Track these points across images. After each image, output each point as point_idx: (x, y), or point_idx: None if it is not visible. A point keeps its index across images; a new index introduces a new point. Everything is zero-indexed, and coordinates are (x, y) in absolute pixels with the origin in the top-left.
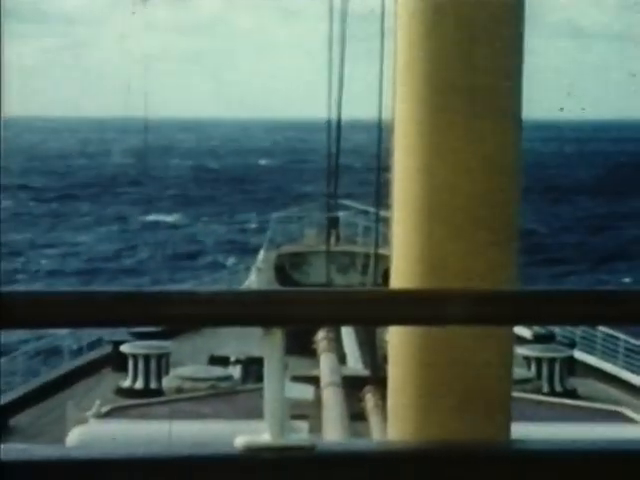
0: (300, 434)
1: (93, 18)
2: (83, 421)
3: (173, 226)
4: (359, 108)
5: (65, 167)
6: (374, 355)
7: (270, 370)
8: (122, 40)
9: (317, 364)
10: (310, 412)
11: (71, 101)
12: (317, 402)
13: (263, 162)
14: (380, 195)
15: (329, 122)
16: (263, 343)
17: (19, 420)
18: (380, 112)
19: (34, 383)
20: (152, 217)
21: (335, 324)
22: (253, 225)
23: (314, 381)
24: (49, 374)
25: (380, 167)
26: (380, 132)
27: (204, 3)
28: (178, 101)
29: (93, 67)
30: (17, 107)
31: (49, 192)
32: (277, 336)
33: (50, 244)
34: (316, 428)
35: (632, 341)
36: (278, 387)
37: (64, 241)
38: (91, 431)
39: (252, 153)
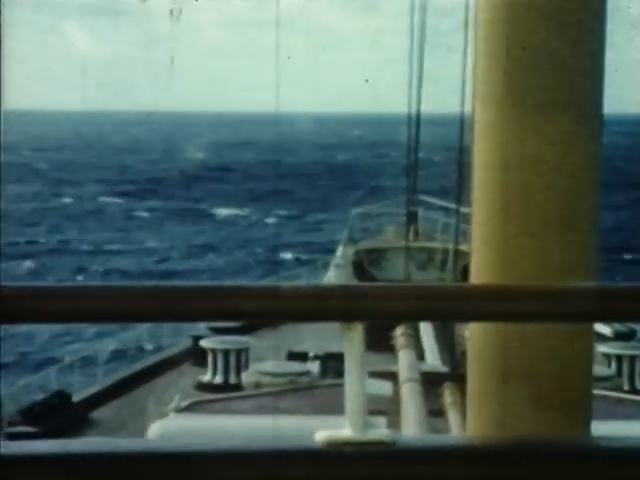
0: (380, 429)
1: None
2: (163, 415)
3: (248, 221)
4: (439, 102)
5: (146, 161)
6: (453, 351)
7: (351, 365)
8: (197, 34)
9: (395, 360)
10: (388, 408)
11: (147, 95)
12: (395, 398)
13: (341, 157)
14: (461, 191)
15: (409, 116)
16: (343, 338)
17: (100, 413)
18: (462, 107)
19: (115, 377)
20: (227, 211)
21: (415, 319)
22: (330, 221)
23: (392, 377)
24: (130, 368)
25: (461, 163)
26: (462, 127)
27: None
28: (255, 96)
29: (168, 61)
30: (99, 101)
31: (123, 186)
32: (357, 331)
33: (120, 243)
34: (394, 424)
35: None
36: (359, 382)
37: (134, 240)
38: (171, 425)
39: (328, 148)
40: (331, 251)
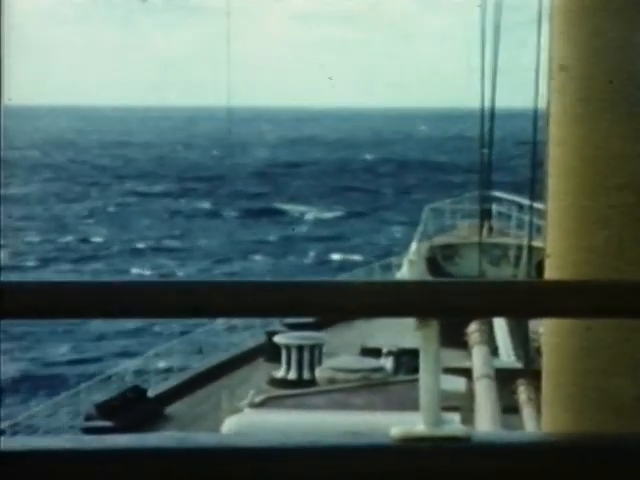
0: (454, 425)
1: (241, 8)
2: (238, 410)
3: (312, 218)
4: (507, 97)
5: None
6: (527, 347)
7: (426, 361)
8: (271, 30)
9: (469, 356)
10: (462, 404)
11: (220, 91)
12: (469, 394)
13: (411, 154)
14: (535, 187)
15: (482, 111)
16: (418, 334)
17: (175, 408)
18: (536, 101)
19: (189, 372)
20: (291, 207)
21: (489, 315)
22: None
23: (466, 373)
24: (205, 363)
25: (534, 158)
26: (535, 122)
27: None
28: (324, 90)
29: (243, 57)
30: (172, 96)
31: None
32: (432, 327)
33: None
34: (468, 420)
35: None
36: (434, 378)
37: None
38: (246, 420)
39: (394, 143)
40: (389, 253)
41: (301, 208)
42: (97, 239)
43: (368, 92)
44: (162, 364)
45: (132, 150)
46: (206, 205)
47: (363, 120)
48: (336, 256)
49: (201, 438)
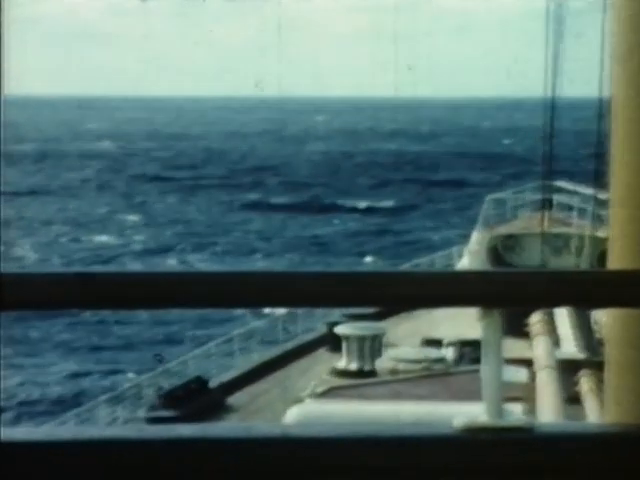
0: (517, 415)
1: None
2: (300, 401)
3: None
4: (568, 87)
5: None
6: (589, 338)
7: (488, 352)
8: (321, 21)
9: (531, 347)
10: (524, 394)
11: (274, 80)
12: (531, 385)
13: (474, 144)
14: (598, 176)
15: (545, 101)
16: (481, 324)
17: (237, 398)
18: (600, 91)
19: (251, 363)
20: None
21: (552, 305)
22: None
23: (528, 364)
24: (266, 354)
25: (598, 148)
26: (600, 111)
27: None
28: (380, 81)
29: (295, 47)
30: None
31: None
32: (495, 317)
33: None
34: (530, 411)
35: None
36: (496, 368)
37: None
38: (308, 410)
39: (449, 134)
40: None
41: (356, 201)
42: (140, 237)
43: (424, 82)
44: (222, 355)
45: (187, 141)
46: (256, 197)
47: (432, 111)
48: (369, 259)
49: (264, 428)
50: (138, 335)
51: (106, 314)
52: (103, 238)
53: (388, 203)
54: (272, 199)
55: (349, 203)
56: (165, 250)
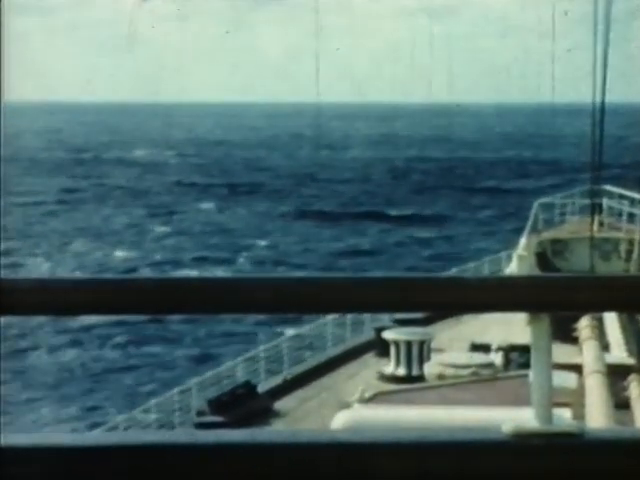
0: (567, 420)
1: (334, 4)
2: (347, 406)
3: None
4: (610, 91)
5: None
6: (639, 343)
7: (537, 357)
8: (367, 26)
9: (580, 352)
10: (573, 400)
11: (309, 87)
12: (580, 390)
13: (526, 152)
14: None
15: (594, 105)
16: (530, 329)
17: (284, 404)
18: None
19: (299, 368)
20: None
21: (601, 310)
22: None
23: (576, 369)
24: (314, 359)
25: None
26: None
27: None
28: (417, 86)
29: (337, 53)
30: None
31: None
32: (544, 322)
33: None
34: (579, 416)
35: None
36: (545, 373)
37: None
38: (356, 416)
39: (515, 141)
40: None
41: (399, 209)
42: (169, 240)
43: (462, 88)
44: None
45: (226, 147)
46: (295, 205)
47: (478, 116)
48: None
49: (313, 434)
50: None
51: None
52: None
53: (428, 211)
54: (311, 207)
55: (390, 211)
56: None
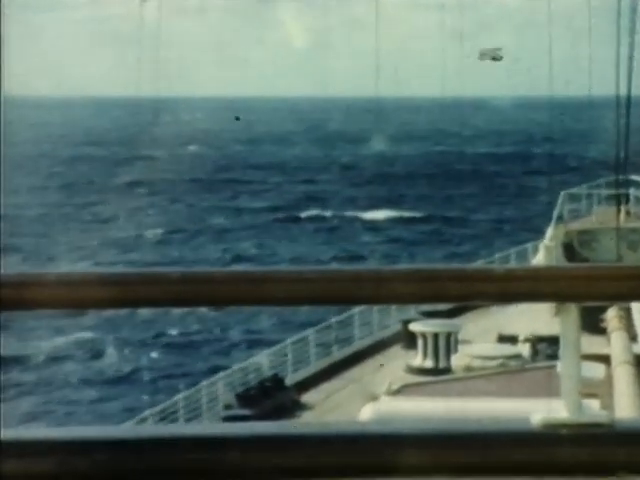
0: (597, 411)
1: None
2: (375, 398)
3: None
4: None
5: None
6: None
7: (566, 347)
8: (397, 17)
9: (608, 342)
10: (601, 391)
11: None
12: (608, 381)
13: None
14: None
15: (618, 98)
16: (558, 320)
17: (312, 396)
18: None
19: (327, 361)
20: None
21: (628, 300)
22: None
23: (604, 360)
24: (341, 352)
25: None
26: None
27: None
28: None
29: (359, 47)
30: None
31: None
32: (572, 312)
33: None
34: (607, 407)
35: None
36: (574, 364)
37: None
38: (383, 408)
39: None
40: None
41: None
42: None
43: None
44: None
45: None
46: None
47: (498, 108)
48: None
49: (341, 426)
50: None
51: None
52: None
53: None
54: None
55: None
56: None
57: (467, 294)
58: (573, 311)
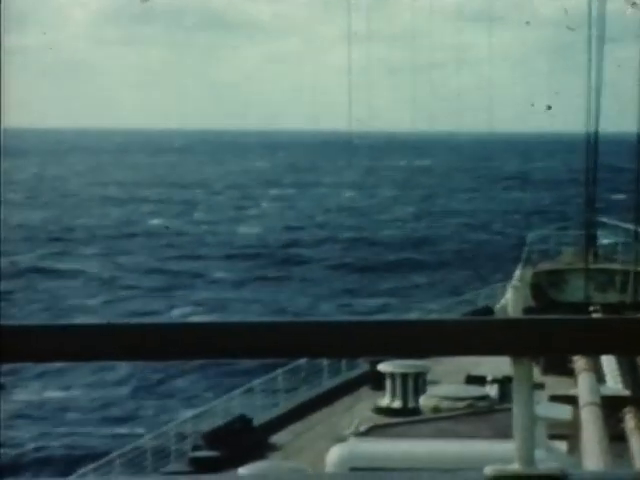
0: (555, 457)
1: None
2: (343, 439)
3: None
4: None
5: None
6: (635, 375)
7: (519, 399)
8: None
9: (575, 383)
10: (569, 432)
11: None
12: (576, 422)
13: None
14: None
15: (588, 136)
16: (512, 368)
17: (280, 437)
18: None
19: (294, 401)
20: None
21: (579, 353)
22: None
23: (572, 401)
24: (309, 392)
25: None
26: None
27: (399, 12)
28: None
29: (302, 79)
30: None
31: None
32: (526, 366)
33: None
34: (575, 448)
35: None
36: (527, 416)
37: None
38: (351, 449)
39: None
40: None
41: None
42: None
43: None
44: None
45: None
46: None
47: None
48: None
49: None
50: None
51: None
52: None
53: None
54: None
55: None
56: None
57: (417, 347)
58: (526, 364)
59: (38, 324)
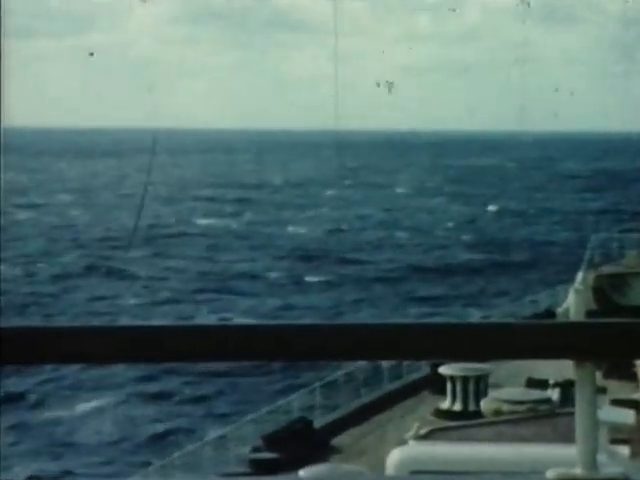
0: (618, 462)
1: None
2: (403, 442)
3: None
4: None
5: None
6: None
7: (582, 404)
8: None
9: (638, 388)
10: (631, 436)
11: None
12: (638, 426)
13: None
14: None
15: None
16: (575, 376)
17: (341, 440)
18: None
19: (355, 404)
20: None
21: None
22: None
23: (635, 405)
24: (369, 396)
25: None
26: None
27: (469, 12)
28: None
29: (353, 78)
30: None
31: None
32: (588, 370)
33: None
34: (638, 453)
35: None
36: (590, 421)
37: None
38: (411, 453)
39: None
40: None
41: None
42: None
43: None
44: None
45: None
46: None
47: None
48: None
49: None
50: None
51: None
52: None
53: None
54: None
55: None
56: None
57: (482, 350)
58: (589, 368)
59: (38, 325)
